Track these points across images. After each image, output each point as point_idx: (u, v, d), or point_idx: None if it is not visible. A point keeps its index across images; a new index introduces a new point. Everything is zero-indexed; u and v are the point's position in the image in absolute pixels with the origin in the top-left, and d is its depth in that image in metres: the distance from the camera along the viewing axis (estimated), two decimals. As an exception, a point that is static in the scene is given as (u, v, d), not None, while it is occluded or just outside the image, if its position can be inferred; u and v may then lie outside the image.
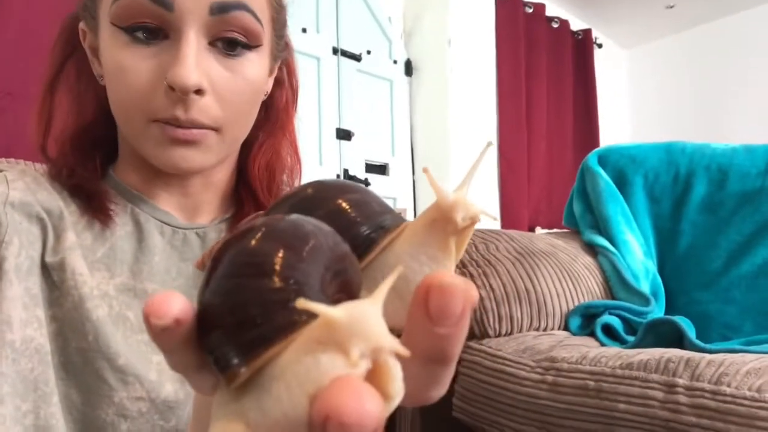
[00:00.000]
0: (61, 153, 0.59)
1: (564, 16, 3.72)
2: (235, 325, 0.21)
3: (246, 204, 0.64)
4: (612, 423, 0.88)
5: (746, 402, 0.75)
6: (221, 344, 0.21)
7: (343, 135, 2.78)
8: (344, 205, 0.26)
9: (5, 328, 0.49)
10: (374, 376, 0.19)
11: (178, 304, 0.21)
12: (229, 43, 0.53)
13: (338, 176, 2.74)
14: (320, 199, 0.27)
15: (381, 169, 2.98)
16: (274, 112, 0.63)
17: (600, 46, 4.04)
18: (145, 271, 0.57)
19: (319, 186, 0.28)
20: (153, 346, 0.55)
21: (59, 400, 0.51)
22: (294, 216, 0.24)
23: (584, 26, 3.91)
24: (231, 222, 0.64)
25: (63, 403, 0.52)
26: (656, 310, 1.27)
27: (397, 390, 0.20)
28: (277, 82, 0.66)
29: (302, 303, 0.18)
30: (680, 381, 0.83)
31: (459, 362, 1.00)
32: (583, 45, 3.86)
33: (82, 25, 0.58)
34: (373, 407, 0.17)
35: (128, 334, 0.54)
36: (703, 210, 1.40)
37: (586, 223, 1.53)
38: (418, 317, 0.21)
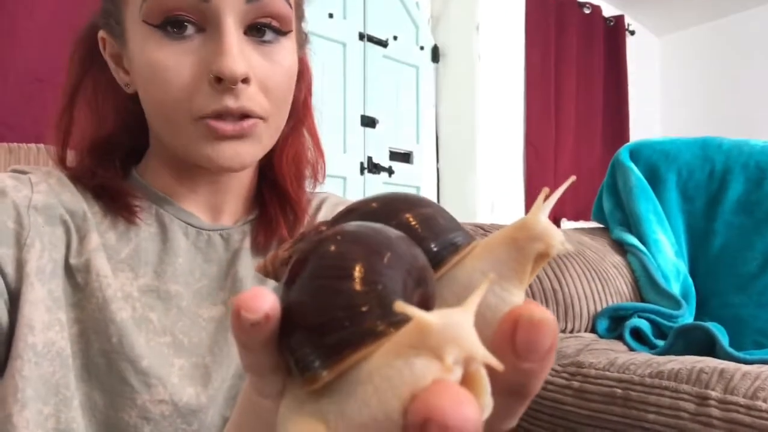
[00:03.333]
0: (80, 162, 0.58)
1: (596, 1, 3.63)
2: (320, 326, 0.21)
3: (270, 204, 0.63)
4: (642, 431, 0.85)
5: (784, 420, 0.72)
6: (303, 345, 0.21)
7: (368, 122, 2.75)
8: (411, 220, 0.26)
9: (27, 331, 0.48)
10: (464, 386, 0.19)
11: (270, 299, 0.21)
12: (261, 31, 0.52)
13: (361, 164, 2.72)
14: (386, 213, 0.26)
15: (405, 157, 2.95)
16: (295, 107, 0.62)
17: (632, 33, 3.94)
18: (169, 272, 0.56)
19: (384, 200, 0.27)
20: (175, 349, 0.55)
21: (80, 403, 0.51)
22: (374, 224, 0.24)
23: (616, 12, 3.81)
24: (255, 223, 0.63)
25: (85, 405, 0.51)
26: (687, 313, 1.23)
27: (487, 402, 0.20)
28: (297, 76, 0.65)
29: (400, 306, 0.18)
30: (713, 393, 0.80)
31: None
32: (614, 32, 3.77)
33: (102, 33, 0.57)
34: (473, 413, 0.17)
35: (151, 336, 0.54)
36: (739, 210, 1.35)
37: (616, 220, 1.49)
38: (502, 349, 0.20)
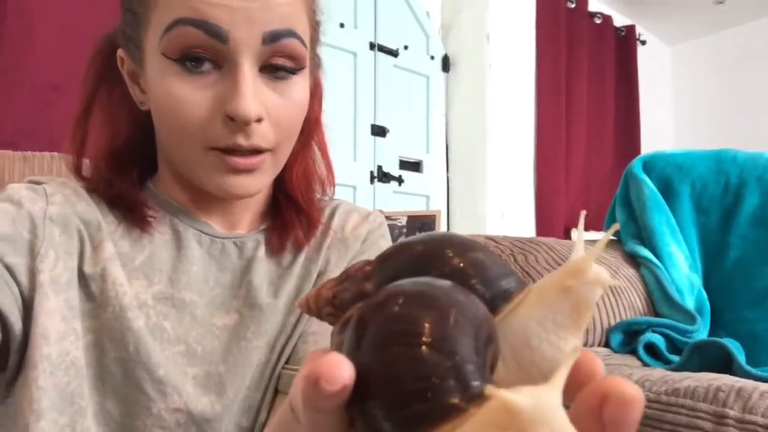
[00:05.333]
0: (96, 171, 0.59)
1: (607, 11, 3.62)
2: (397, 398, 0.21)
3: (285, 210, 0.64)
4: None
5: (804, 441, 0.71)
6: (378, 414, 0.21)
7: (378, 131, 2.75)
8: (464, 267, 0.25)
9: (42, 341, 0.49)
10: None
11: (348, 369, 0.21)
12: (276, 68, 0.53)
13: (371, 172, 2.72)
14: (437, 259, 0.26)
15: (415, 166, 2.95)
16: (307, 124, 0.63)
17: (643, 42, 3.94)
18: (184, 281, 0.57)
19: (430, 243, 0.27)
20: (188, 358, 0.56)
21: (94, 413, 0.52)
22: (429, 279, 0.24)
23: (628, 22, 3.81)
24: (269, 231, 0.64)
25: (99, 415, 0.52)
26: (701, 328, 1.22)
27: None
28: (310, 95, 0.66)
29: (490, 390, 0.19)
30: (731, 412, 0.78)
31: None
32: (626, 41, 3.76)
33: (120, 52, 0.58)
34: None
35: (165, 345, 0.55)
36: (754, 223, 1.34)
37: (629, 232, 1.48)
38: (586, 421, 0.21)
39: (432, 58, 3.00)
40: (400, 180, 2.82)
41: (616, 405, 0.20)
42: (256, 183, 0.55)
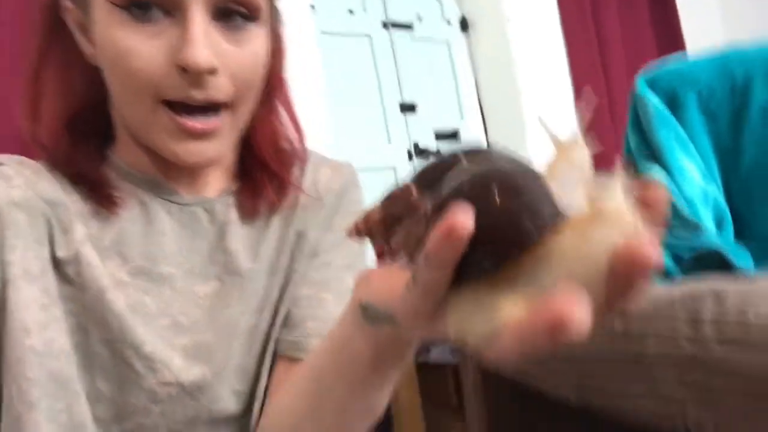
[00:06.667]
0: (54, 139, 0.56)
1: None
2: (483, 236, 0.24)
3: (254, 172, 0.62)
4: (646, 365, 0.81)
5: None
6: (476, 258, 0.25)
7: (407, 108, 2.74)
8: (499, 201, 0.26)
9: (23, 334, 0.49)
10: None
11: (470, 214, 0.23)
12: (230, 16, 0.51)
13: (408, 151, 2.71)
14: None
15: (452, 136, 2.91)
16: (269, 82, 0.59)
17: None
18: (159, 255, 0.57)
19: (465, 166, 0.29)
20: (175, 330, 0.56)
21: (87, 393, 0.53)
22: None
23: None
24: (239, 195, 0.62)
25: (90, 395, 0.53)
26: (718, 239, 1.15)
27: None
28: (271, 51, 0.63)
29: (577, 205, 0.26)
30: (706, 316, 0.75)
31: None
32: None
33: (66, 2, 0.54)
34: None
35: (148, 320, 0.54)
36: (765, 119, 1.24)
37: (642, 154, 1.41)
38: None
39: (449, 22, 2.94)
40: (439, 154, 2.79)
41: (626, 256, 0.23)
42: (214, 149, 0.53)
